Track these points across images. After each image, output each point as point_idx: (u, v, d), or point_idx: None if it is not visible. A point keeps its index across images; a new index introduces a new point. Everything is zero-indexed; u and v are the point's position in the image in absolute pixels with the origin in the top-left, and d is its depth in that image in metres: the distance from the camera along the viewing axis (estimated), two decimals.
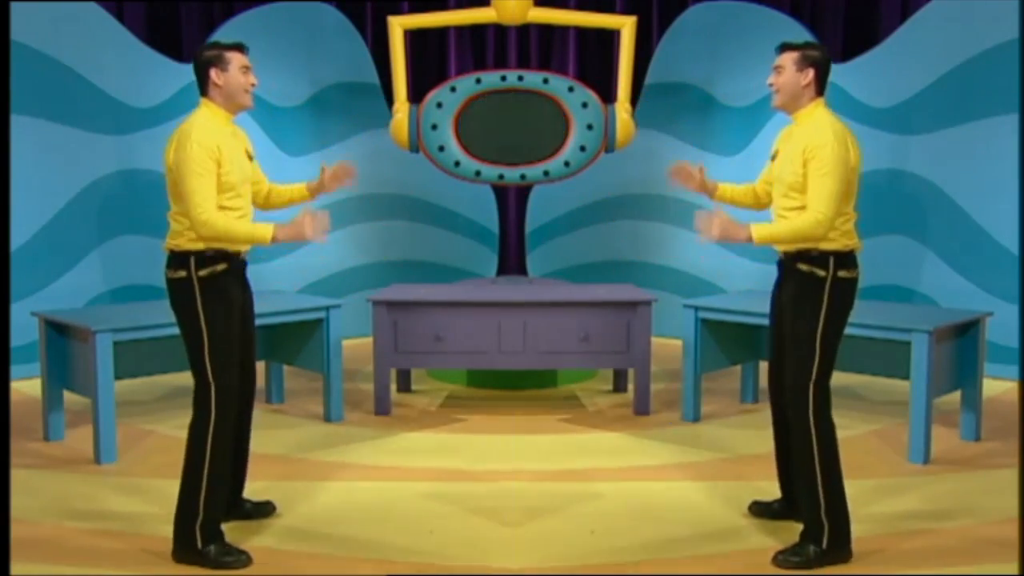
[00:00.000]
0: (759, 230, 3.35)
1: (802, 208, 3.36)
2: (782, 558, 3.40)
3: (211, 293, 3.38)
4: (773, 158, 3.56)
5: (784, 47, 3.47)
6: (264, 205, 3.83)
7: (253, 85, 3.49)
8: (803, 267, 3.39)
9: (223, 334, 3.39)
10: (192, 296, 3.37)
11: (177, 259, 3.39)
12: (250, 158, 3.58)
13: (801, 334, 3.39)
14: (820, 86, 3.43)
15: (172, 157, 3.35)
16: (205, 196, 3.28)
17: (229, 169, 3.37)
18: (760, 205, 3.83)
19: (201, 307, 3.37)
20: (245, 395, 3.67)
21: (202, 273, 3.36)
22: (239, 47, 3.48)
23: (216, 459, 3.40)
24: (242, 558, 3.39)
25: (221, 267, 3.39)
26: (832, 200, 3.27)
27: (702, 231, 3.37)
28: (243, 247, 3.46)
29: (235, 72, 3.44)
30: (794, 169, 3.36)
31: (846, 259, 3.39)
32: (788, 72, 3.41)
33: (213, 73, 3.43)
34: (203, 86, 3.47)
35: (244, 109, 3.51)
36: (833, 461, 3.42)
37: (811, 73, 3.40)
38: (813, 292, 3.37)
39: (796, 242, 3.36)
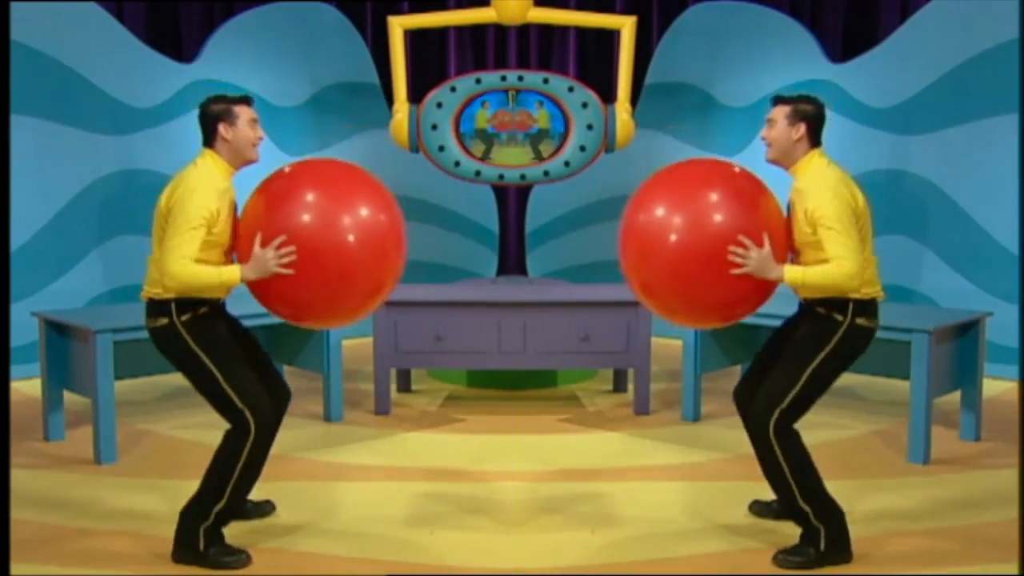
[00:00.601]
0: (792, 272, 3.28)
1: (814, 264, 3.31)
2: (782, 558, 3.40)
3: (200, 333, 3.34)
4: (790, 208, 3.47)
5: (777, 100, 3.47)
6: None
7: (261, 139, 3.47)
8: (821, 310, 3.36)
9: (231, 361, 3.36)
10: (181, 340, 3.33)
11: (156, 307, 3.35)
12: (233, 208, 3.45)
13: (793, 365, 3.36)
14: (814, 139, 3.41)
15: (167, 203, 3.31)
16: (185, 253, 3.21)
17: (222, 230, 3.31)
18: None
19: (196, 345, 3.33)
20: (280, 405, 3.61)
21: (184, 318, 3.33)
22: (246, 100, 3.46)
23: (243, 476, 3.38)
24: (241, 558, 3.39)
25: (203, 310, 3.35)
26: (849, 248, 3.22)
27: (740, 260, 3.25)
28: (220, 294, 3.40)
29: (243, 126, 3.41)
30: (802, 228, 3.32)
31: (867, 307, 3.36)
32: (780, 126, 3.41)
33: (222, 128, 3.39)
34: (209, 139, 3.42)
35: (250, 163, 3.47)
36: (805, 469, 3.40)
37: (803, 128, 3.39)
38: (825, 332, 3.34)
39: (826, 291, 3.30)
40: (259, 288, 3.33)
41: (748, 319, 4.95)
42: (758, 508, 3.85)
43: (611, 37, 7.43)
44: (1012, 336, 6.15)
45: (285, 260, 3.20)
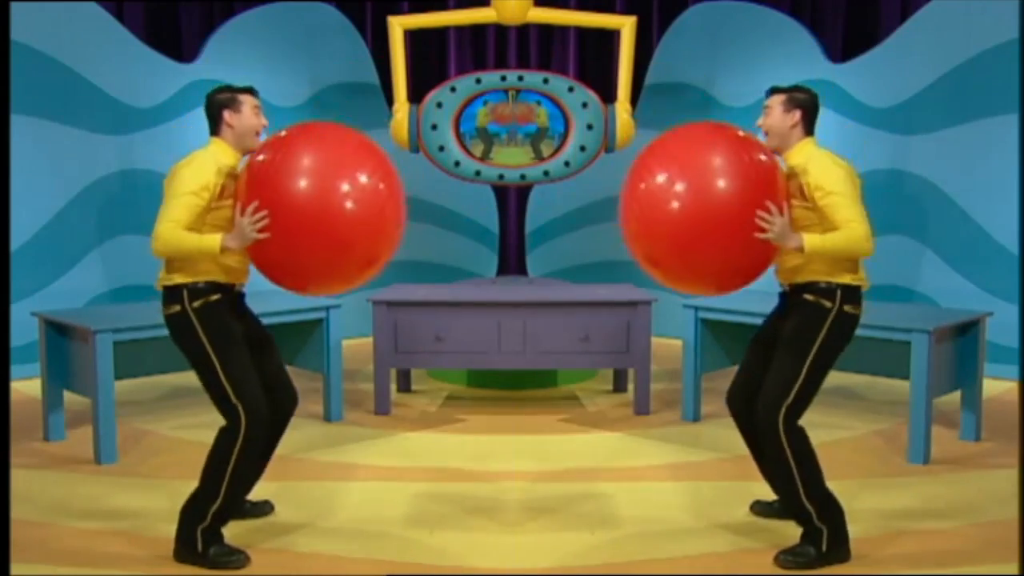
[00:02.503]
0: (811, 241, 3.30)
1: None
2: (783, 558, 3.40)
3: (209, 321, 3.37)
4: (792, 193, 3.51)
5: (773, 91, 3.56)
6: None
7: (265, 127, 3.55)
8: (808, 297, 3.39)
9: (235, 357, 3.38)
10: (191, 328, 3.37)
11: (171, 294, 3.40)
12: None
13: (790, 359, 3.38)
14: (808, 126, 3.49)
15: (169, 180, 3.37)
16: (174, 217, 3.27)
17: (229, 203, 3.37)
18: None
19: (204, 335, 3.37)
20: (280, 410, 3.62)
21: (196, 304, 3.37)
22: (251, 90, 3.55)
23: (237, 475, 3.39)
24: (240, 558, 3.39)
25: (215, 297, 3.39)
26: (857, 212, 3.27)
27: (765, 226, 3.27)
28: (227, 278, 3.43)
29: (248, 114, 3.49)
30: (798, 203, 3.36)
31: (853, 294, 3.40)
32: (775, 114, 3.50)
33: (227, 115, 3.47)
34: (215, 126, 3.50)
35: (248, 152, 3.51)
36: (812, 469, 3.41)
37: (797, 114, 3.47)
38: (815, 322, 3.37)
39: (842, 255, 3.33)
40: (255, 257, 3.39)
41: (749, 319, 5.01)
42: (759, 508, 3.85)
43: (611, 37, 7.43)
44: (1012, 336, 6.15)
45: (259, 225, 3.26)
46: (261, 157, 3.39)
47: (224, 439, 3.39)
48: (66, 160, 6.59)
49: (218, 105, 3.49)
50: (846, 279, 3.38)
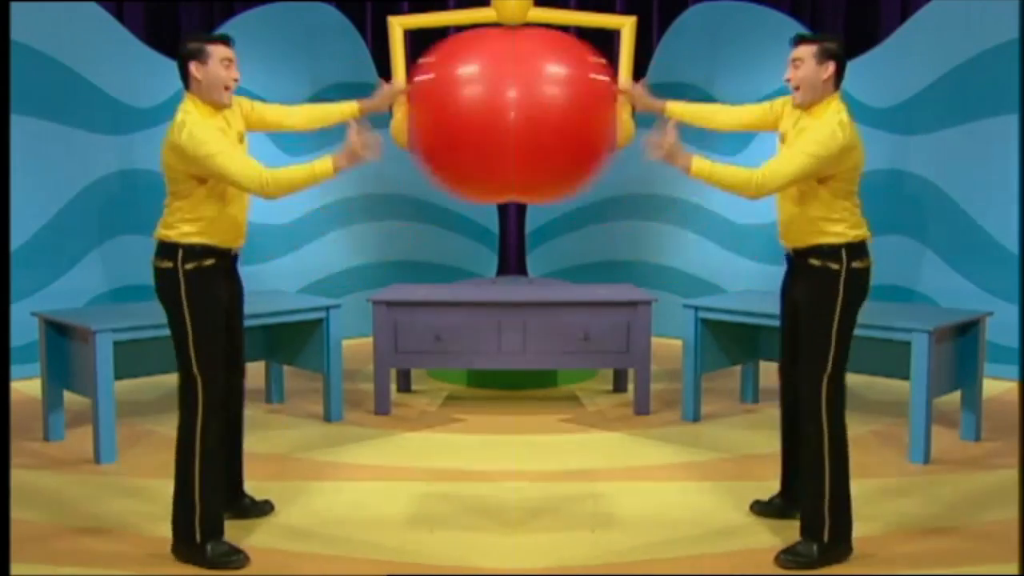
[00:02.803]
0: (700, 163, 3.30)
1: (809, 195, 3.32)
2: (784, 558, 3.40)
3: (196, 287, 3.35)
4: (782, 140, 3.50)
5: (801, 39, 3.37)
6: (303, 125, 4.01)
7: (236, 80, 3.42)
8: (815, 262, 3.35)
9: (208, 329, 3.37)
10: (177, 287, 3.34)
11: (165, 249, 3.37)
12: (241, 140, 3.52)
13: (817, 330, 3.37)
14: (839, 79, 3.36)
15: (167, 156, 3.33)
16: (243, 163, 3.24)
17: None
18: (716, 125, 4.00)
19: (185, 299, 3.34)
20: (233, 389, 3.65)
21: (188, 266, 3.34)
22: (223, 39, 3.41)
23: (207, 453, 3.38)
24: (240, 557, 3.39)
25: (208, 262, 3.37)
26: (788, 176, 3.22)
27: (649, 148, 3.34)
28: (223, 242, 3.40)
29: (215, 66, 3.36)
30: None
31: (858, 249, 3.35)
32: (808, 66, 3.31)
33: (193, 67, 3.35)
34: (185, 80, 3.42)
35: (222, 107, 3.43)
36: (843, 460, 3.41)
37: (831, 67, 3.31)
38: (828, 287, 3.33)
39: (727, 188, 3.30)
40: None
41: (749, 319, 5.01)
42: (759, 508, 3.85)
43: (611, 37, 7.43)
44: (1012, 336, 6.15)
45: (373, 147, 3.38)
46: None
47: (185, 421, 3.39)
48: (66, 160, 6.59)
49: (185, 57, 3.37)
50: (848, 236, 3.32)
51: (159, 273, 3.39)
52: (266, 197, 3.31)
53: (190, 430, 3.38)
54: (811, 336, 3.39)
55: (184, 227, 3.34)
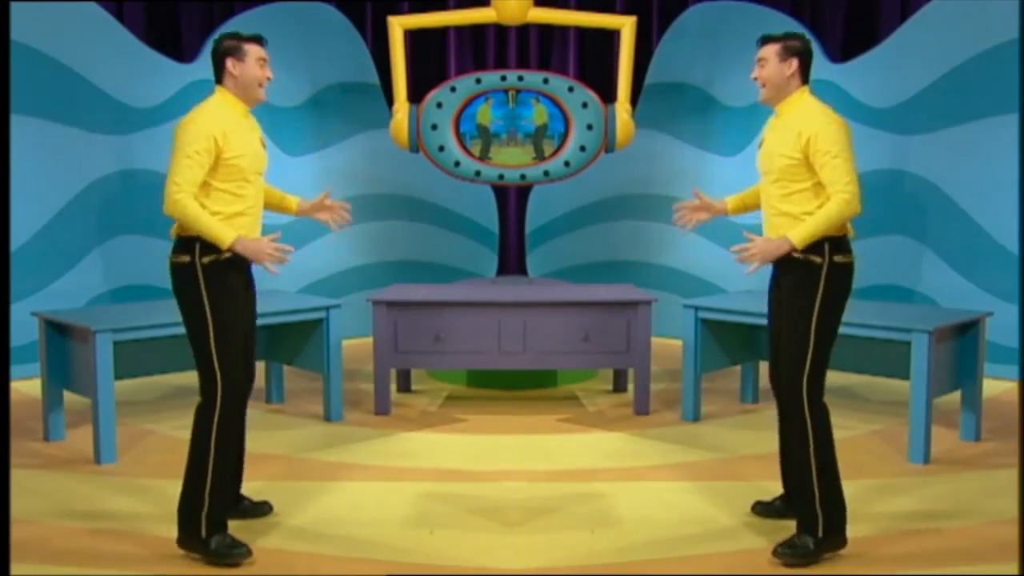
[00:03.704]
0: (797, 234, 3.32)
1: (796, 194, 3.36)
2: (781, 551, 3.41)
3: (214, 281, 3.36)
4: (760, 147, 3.56)
5: (765, 40, 3.49)
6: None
7: (268, 79, 3.51)
8: (798, 256, 3.37)
9: (228, 323, 3.38)
10: (196, 282, 3.35)
11: (183, 244, 3.39)
12: (263, 147, 3.57)
13: (797, 324, 3.38)
14: (804, 75, 3.45)
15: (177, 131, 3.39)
16: (186, 178, 3.29)
17: (239, 153, 3.37)
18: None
19: (205, 294, 3.35)
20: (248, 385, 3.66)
21: (205, 260, 3.35)
22: (258, 39, 3.51)
23: (221, 451, 3.40)
24: (243, 550, 3.40)
25: (226, 256, 3.37)
26: (852, 175, 3.29)
27: (748, 260, 3.37)
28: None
29: (252, 64, 3.46)
30: (785, 152, 3.36)
31: (840, 244, 3.38)
32: (772, 64, 3.44)
33: (229, 63, 3.45)
34: (219, 75, 3.49)
35: (258, 102, 3.53)
36: (828, 451, 3.42)
37: (795, 63, 3.42)
38: (810, 279, 3.35)
39: (834, 228, 3.33)
40: None
41: (748, 319, 5.00)
42: (760, 508, 3.85)
43: (611, 37, 7.43)
44: (1012, 336, 6.15)
45: (277, 255, 3.36)
46: None
47: (202, 417, 3.40)
48: (66, 160, 6.59)
49: (223, 53, 3.46)
50: (831, 231, 3.35)
51: (176, 268, 3.39)
52: (165, 209, 3.34)
53: (207, 427, 3.39)
54: (791, 333, 3.40)
55: None
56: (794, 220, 3.38)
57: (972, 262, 6.52)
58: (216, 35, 3.57)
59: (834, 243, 3.36)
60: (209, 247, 3.35)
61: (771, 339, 3.66)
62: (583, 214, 8.04)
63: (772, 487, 3.90)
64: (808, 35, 3.52)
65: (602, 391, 6.00)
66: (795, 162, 3.34)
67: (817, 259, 3.35)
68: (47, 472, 4.42)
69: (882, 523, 3.76)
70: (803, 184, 3.37)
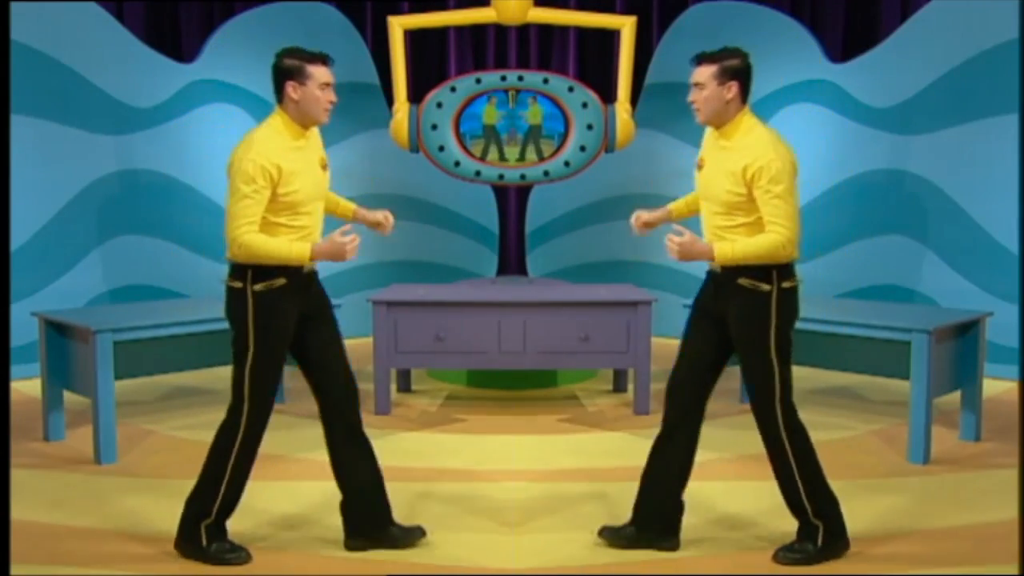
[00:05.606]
0: (723, 252, 3.27)
1: (741, 227, 3.29)
2: (782, 555, 3.41)
3: (264, 309, 3.29)
4: (699, 168, 3.44)
5: (700, 59, 3.32)
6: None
7: (332, 103, 3.33)
8: (744, 282, 3.30)
9: (269, 351, 3.33)
10: (244, 308, 3.29)
11: (236, 270, 3.30)
12: (324, 167, 3.44)
13: (756, 357, 3.34)
14: (744, 96, 3.31)
15: (231, 161, 3.26)
16: (247, 217, 3.17)
17: (296, 188, 3.24)
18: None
19: (252, 321, 3.29)
20: (340, 406, 3.60)
21: (258, 287, 3.27)
22: (323, 59, 3.32)
23: (236, 470, 3.40)
24: (242, 555, 3.41)
25: (280, 282, 3.29)
26: (792, 218, 3.20)
27: (669, 251, 3.33)
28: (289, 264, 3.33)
29: (313, 88, 3.27)
30: (729, 188, 3.25)
31: (785, 270, 3.30)
32: (709, 88, 3.27)
33: (290, 87, 3.26)
34: (279, 95, 3.31)
35: (318, 124, 3.37)
36: (812, 467, 3.41)
37: (734, 87, 3.25)
38: (761, 307, 3.29)
39: (759, 260, 3.26)
40: None
41: None
42: (608, 534, 3.57)
43: (611, 37, 7.43)
44: (1012, 336, 6.15)
45: (353, 246, 3.27)
46: None
47: (224, 434, 3.40)
48: (66, 160, 6.59)
49: (283, 74, 3.26)
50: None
51: (229, 292, 3.34)
52: (229, 255, 3.26)
53: (228, 444, 3.38)
54: (752, 365, 3.36)
55: None
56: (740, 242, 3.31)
57: (972, 262, 6.52)
58: (279, 50, 3.30)
59: (781, 270, 3.29)
60: (261, 274, 3.26)
61: (685, 354, 3.52)
62: (583, 214, 8.04)
63: (772, 487, 3.88)
64: (743, 50, 3.34)
65: (602, 391, 6.00)
66: (741, 198, 3.25)
67: (765, 287, 3.28)
68: (47, 472, 4.42)
69: (882, 523, 3.76)
70: (749, 218, 3.28)
